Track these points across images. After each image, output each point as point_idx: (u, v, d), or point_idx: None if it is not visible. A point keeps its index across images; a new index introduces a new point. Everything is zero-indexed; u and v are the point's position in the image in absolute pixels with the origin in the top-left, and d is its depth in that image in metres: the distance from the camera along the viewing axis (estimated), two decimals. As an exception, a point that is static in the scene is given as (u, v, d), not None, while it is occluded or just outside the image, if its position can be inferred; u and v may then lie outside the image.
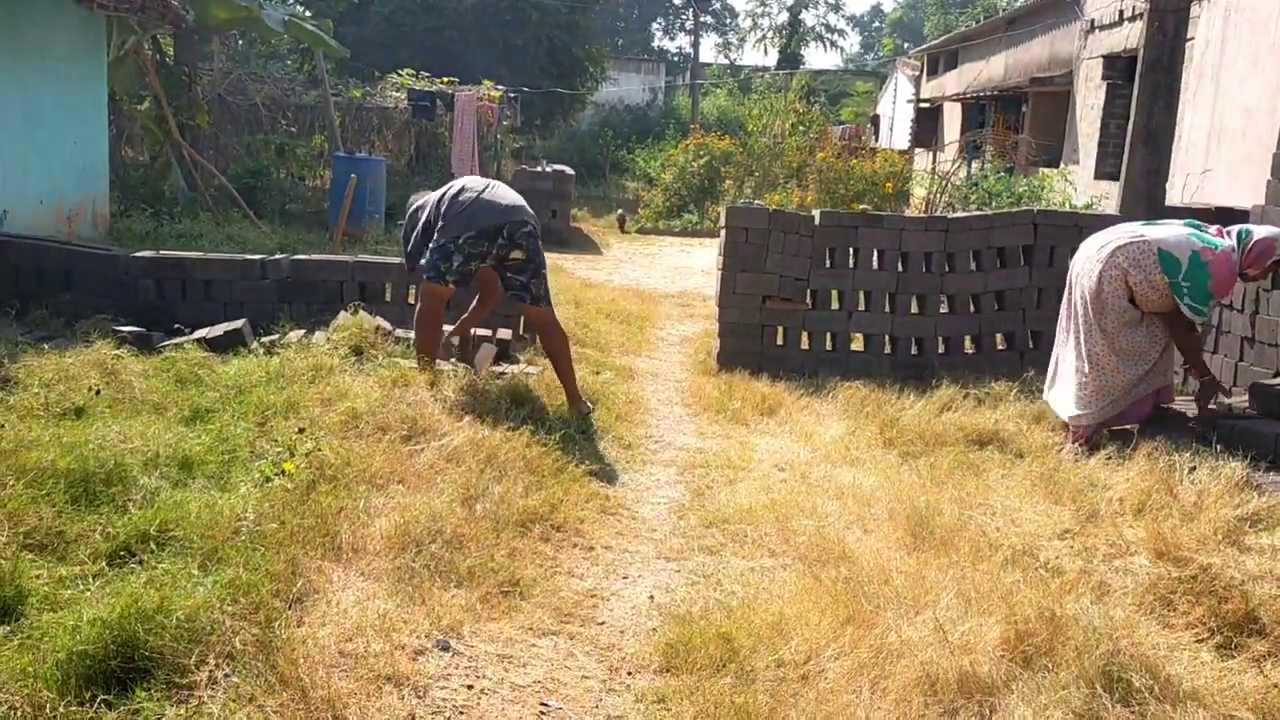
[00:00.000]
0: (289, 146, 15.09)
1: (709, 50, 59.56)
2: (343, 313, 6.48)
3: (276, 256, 7.36)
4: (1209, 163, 9.58)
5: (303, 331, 6.42)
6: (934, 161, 20.63)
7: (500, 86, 18.76)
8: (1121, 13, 12.35)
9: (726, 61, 51.25)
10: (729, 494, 4.71)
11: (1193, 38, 10.43)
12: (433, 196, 5.93)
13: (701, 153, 20.90)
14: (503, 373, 6.14)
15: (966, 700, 2.86)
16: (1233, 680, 3.02)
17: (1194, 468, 4.72)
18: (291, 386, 5.19)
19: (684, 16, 56.60)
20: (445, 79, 17.57)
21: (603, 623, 3.41)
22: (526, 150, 20.77)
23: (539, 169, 16.50)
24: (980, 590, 3.47)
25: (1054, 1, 15.78)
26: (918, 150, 23.95)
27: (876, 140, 32.50)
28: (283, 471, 4.01)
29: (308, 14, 17.44)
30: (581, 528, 4.13)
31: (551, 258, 13.97)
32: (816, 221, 7.31)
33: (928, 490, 4.64)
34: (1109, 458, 5.06)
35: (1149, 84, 7.17)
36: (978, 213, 7.70)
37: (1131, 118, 7.36)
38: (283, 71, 17.34)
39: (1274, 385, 5.39)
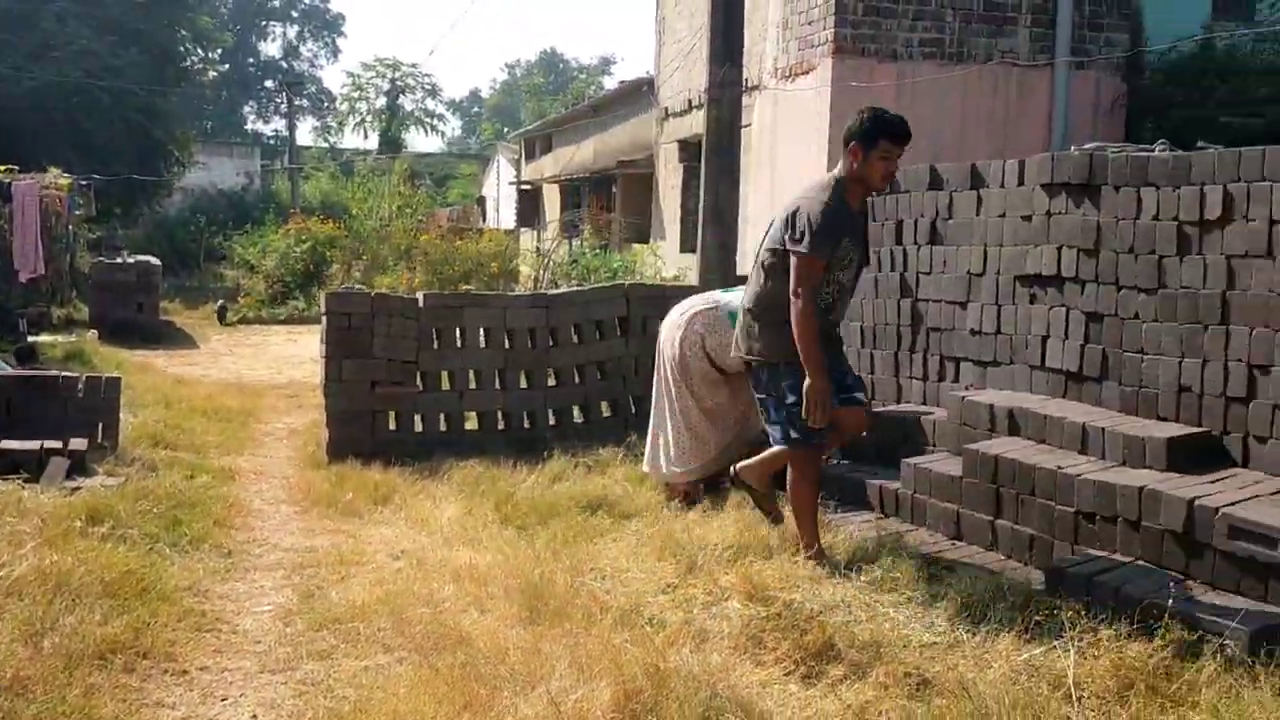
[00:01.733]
0: None
1: (307, 133, 58.24)
2: None
3: None
4: (773, 234, 10.67)
5: None
6: (538, 240, 21.45)
7: (70, 174, 17.17)
8: (690, 101, 13.55)
9: (326, 145, 50.41)
10: (341, 592, 4.51)
11: (749, 124, 11.65)
12: None
13: (304, 237, 20.35)
14: (77, 487, 5.53)
15: (581, 768, 2.91)
16: (816, 706, 3.30)
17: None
18: None
19: (278, 99, 55.11)
20: (1, 167, 15.79)
21: (199, 753, 3.11)
22: (106, 240, 19.11)
23: (119, 260, 15.26)
24: (592, 655, 3.55)
25: (632, 91, 17.05)
26: (523, 230, 24.79)
27: (484, 221, 33.28)
28: None
29: None
30: (173, 650, 3.77)
31: (140, 355, 12.94)
32: (421, 304, 7.30)
33: (543, 562, 4.71)
34: (705, 510, 5.42)
35: (713, 167, 7.91)
36: (575, 289, 8.04)
37: (701, 197, 8.05)
38: None
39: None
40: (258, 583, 4.68)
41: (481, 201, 38.89)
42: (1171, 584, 3.82)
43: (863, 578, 4.33)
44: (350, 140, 47.19)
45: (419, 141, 50.77)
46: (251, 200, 35.65)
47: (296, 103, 41.36)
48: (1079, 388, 5.02)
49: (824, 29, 9.86)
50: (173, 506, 5.48)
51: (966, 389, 5.49)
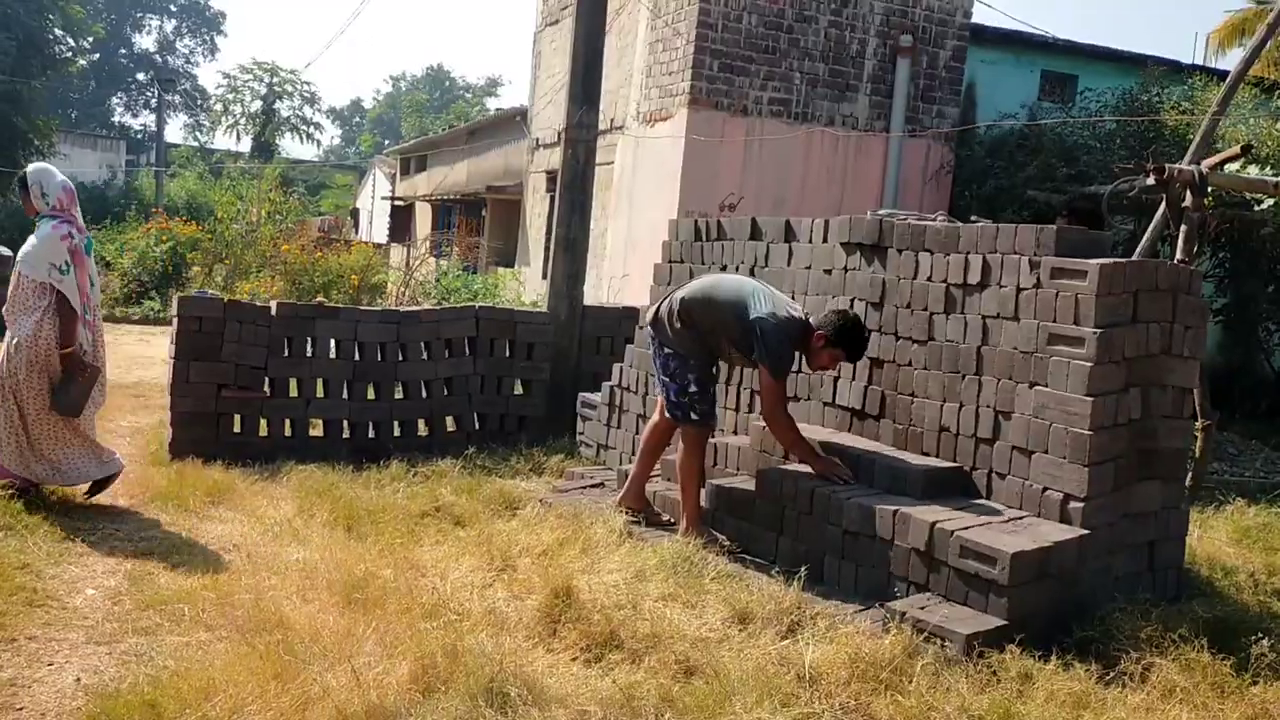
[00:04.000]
0: None
1: (177, 131, 56.68)
2: None
3: None
4: (626, 268, 11.26)
5: None
6: (408, 257, 21.60)
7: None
8: (560, 134, 14.07)
9: (196, 144, 49.24)
10: (170, 578, 4.79)
11: (612, 162, 12.25)
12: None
13: (165, 237, 20.04)
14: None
15: (373, 728, 3.31)
16: (591, 685, 3.77)
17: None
18: None
19: (148, 93, 53.61)
20: None
21: (22, 709, 3.39)
22: (-46, 228, 18.52)
23: (-32, 248, 14.85)
24: (398, 637, 3.96)
25: (508, 119, 17.52)
26: (394, 245, 24.87)
27: (356, 233, 33.13)
28: None
29: None
30: (2, 621, 4.01)
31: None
32: (274, 312, 7.57)
33: (369, 560, 5.08)
34: (529, 519, 5.85)
35: (567, 201, 8.42)
36: (427, 308, 8.42)
37: (554, 229, 8.56)
38: None
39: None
40: (90, 567, 4.91)
41: (355, 213, 38.66)
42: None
43: (655, 582, 4.84)
44: (222, 141, 46.37)
45: (295, 148, 50.10)
46: (114, 195, 34.62)
47: (168, 99, 40.40)
48: (861, 424, 5.67)
49: (682, 80, 10.53)
50: (7, 493, 5.64)
51: (769, 420, 6.08)
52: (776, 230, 6.39)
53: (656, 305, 5.75)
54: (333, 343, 7.74)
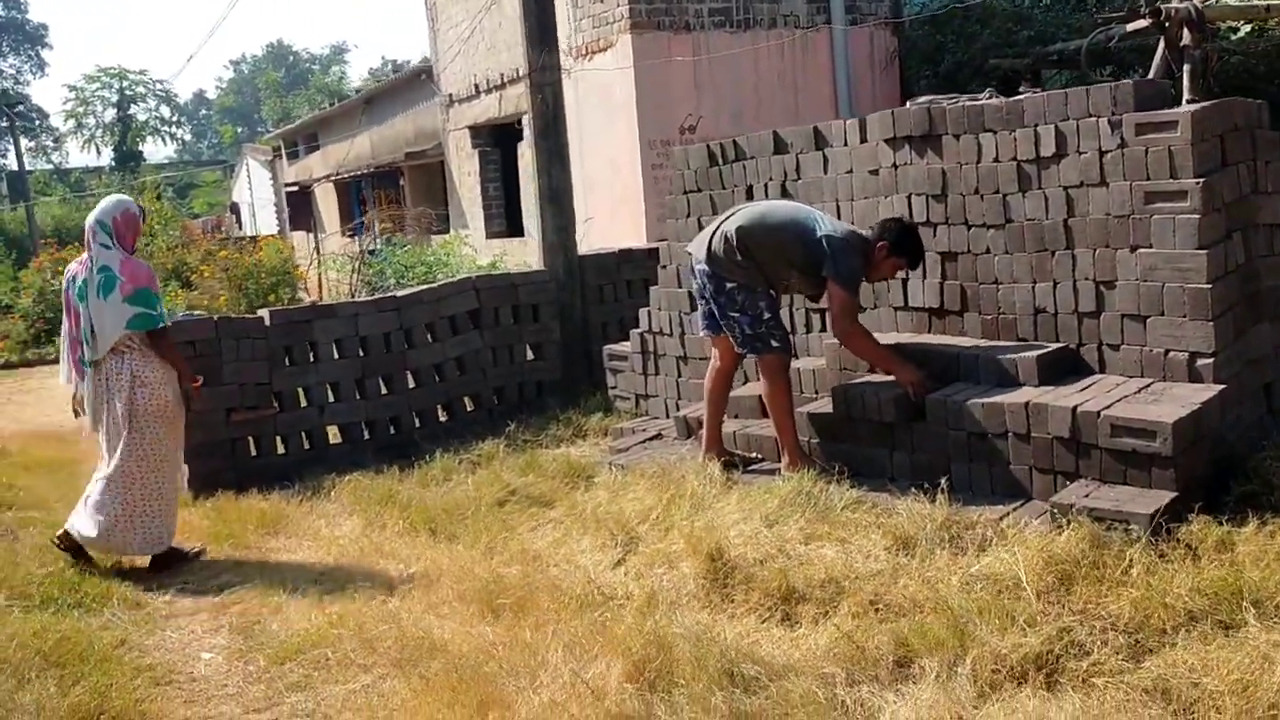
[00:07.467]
0: None
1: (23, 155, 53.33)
2: None
3: None
4: (590, 211, 10.83)
5: None
6: (316, 243, 20.71)
7: None
8: (477, 86, 13.46)
9: (50, 166, 46.46)
10: (282, 623, 4.38)
11: (547, 105, 11.72)
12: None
13: (60, 269, 18.87)
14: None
15: (625, 739, 3.03)
16: (809, 643, 3.54)
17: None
18: None
19: (-17, 123, 50.24)
20: None
21: (228, 804, 3.02)
22: None
23: None
24: (578, 635, 3.66)
25: (409, 80, 16.73)
26: (296, 233, 23.87)
27: (241, 229, 31.72)
28: None
29: None
30: (144, 708, 3.59)
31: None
32: (267, 322, 7.04)
33: (479, 561, 4.74)
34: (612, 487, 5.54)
35: (543, 151, 7.97)
36: (423, 288, 7.95)
37: (536, 182, 8.12)
38: None
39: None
40: (188, 629, 4.47)
41: (235, 208, 36.97)
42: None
43: (791, 524, 4.59)
44: (78, 159, 43.80)
45: (154, 151, 47.63)
46: (-23, 235, 32.54)
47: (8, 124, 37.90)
48: (942, 322, 5.48)
49: (618, 5, 10.06)
50: (57, 566, 5.13)
51: (838, 336, 5.84)
52: (804, 139, 6.09)
53: (706, 241, 5.39)
54: (334, 342, 7.24)
